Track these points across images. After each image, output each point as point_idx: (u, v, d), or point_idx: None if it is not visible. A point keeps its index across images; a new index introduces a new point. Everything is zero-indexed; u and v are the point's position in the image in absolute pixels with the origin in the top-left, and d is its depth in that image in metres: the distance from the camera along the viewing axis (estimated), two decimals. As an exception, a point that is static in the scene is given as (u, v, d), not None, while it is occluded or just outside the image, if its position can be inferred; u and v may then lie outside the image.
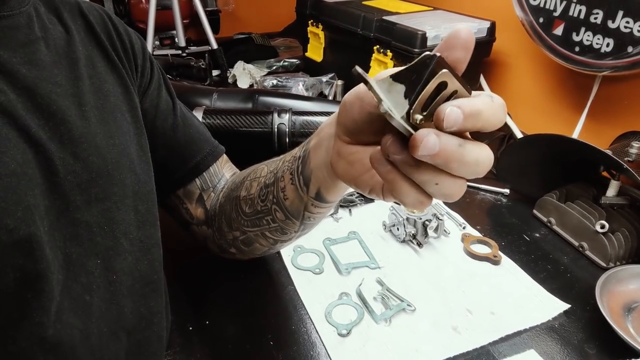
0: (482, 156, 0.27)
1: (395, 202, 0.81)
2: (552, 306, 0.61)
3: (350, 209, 0.80)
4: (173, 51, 1.39)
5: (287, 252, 0.69)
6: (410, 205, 0.30)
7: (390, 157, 0.28)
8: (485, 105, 0.26)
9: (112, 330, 0.39)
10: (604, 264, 0.68)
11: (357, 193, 0.82)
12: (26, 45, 0.36)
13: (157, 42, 1.45)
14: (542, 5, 0.92)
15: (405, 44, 0.98)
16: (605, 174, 0.79)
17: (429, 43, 0.97)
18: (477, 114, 0.26)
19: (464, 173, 0.27)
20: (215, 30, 1.48)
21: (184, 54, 1.37)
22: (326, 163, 0.39)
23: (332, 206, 0.47)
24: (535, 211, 0.81)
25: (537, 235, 0.77)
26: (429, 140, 0.25)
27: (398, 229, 0.73)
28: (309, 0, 1.27)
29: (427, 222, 0.71)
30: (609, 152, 0.69)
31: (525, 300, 0.63)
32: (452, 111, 0.25)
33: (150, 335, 0.43)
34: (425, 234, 0.72)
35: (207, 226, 0.59)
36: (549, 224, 0.78)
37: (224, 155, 0.62)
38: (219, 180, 0.60)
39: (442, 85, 0.26)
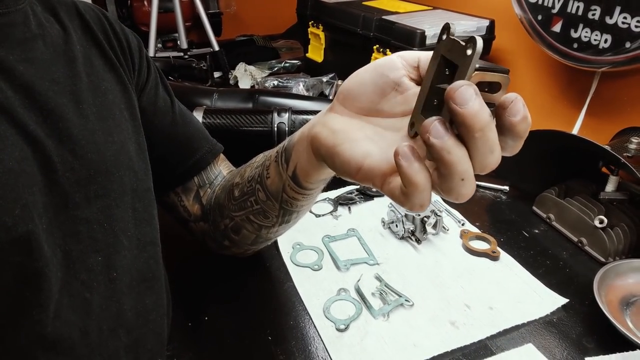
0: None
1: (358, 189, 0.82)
2: (551, 301, 0.61)
3: (349, 207, 0.81)
4: (175, 53, 1.40)
5: (286, 249, 0.70)
6: (411, 200, 0.30)
7: (431, 139, 0.27)
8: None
9: (111, 327, 0.39)
10: (603, 259, 0.68)
11: (357, 191, 0.83)
12: (23, 42, 0.37)
13: (159, 45, 1.46)
14: (540, 2, 0.92)
15: (404, 43, 0.99)
16: (604, 170, 0.79)
17: (428, 41, 0.97)
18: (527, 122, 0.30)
19: (488, 158, 0.29)
20: (217, 32, 1.49)
21: (186, 56, 1.38)
22: (309, 135, 0.41)
23: (308, 196, 0.48)
24: (534, 207, 0.81)
25: (537, 231, 0.77)
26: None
27: (397, 225, 0.73)
28: (310, 1, 1.27)
29: (425, 219, 0.72)
30: (608, 148, 0.69)
31: (523, 295, 0.63)
32: (521, 104, 0.29)
33: (147, 333, 0.43)
34: (424, 231, 0.72)
35: (204, 221, 0.60)
36: (548, 220, 0.78)
37: (222, 154, 0.62)
38: (215, 177, 0.60)
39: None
